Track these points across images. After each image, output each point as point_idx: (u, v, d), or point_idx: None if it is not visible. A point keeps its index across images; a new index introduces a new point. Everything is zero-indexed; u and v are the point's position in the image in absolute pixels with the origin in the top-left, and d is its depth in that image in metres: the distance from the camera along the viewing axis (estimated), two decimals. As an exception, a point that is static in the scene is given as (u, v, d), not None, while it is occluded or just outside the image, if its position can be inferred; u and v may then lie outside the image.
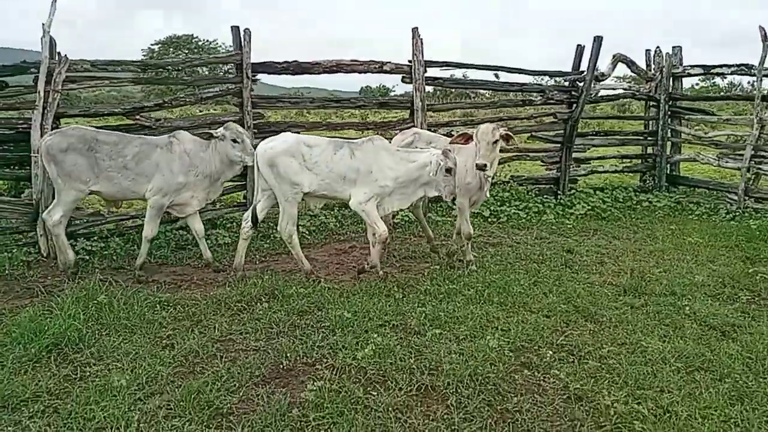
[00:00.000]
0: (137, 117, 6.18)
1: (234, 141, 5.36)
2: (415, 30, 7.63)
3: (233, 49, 6.66)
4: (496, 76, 9.71)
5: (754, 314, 4.77)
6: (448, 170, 5.00)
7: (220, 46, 50.08)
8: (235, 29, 6.61)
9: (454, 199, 5.00)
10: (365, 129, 7.75)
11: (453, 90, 12.13)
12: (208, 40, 49.44)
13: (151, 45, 46.41)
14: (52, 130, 5.47)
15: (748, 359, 3.88)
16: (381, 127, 7.63)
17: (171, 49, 44.28)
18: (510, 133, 5.30)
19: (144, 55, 45.03)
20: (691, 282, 5.47)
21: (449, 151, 5.12)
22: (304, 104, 7.12)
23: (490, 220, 7.89)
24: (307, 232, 6.91)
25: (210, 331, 4.20)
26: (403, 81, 7.85)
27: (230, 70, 6.78)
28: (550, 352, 3.90)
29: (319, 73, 7.20)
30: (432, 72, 7.92)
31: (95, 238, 6.26)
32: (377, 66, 7.51)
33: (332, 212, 7.27)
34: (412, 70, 7.67)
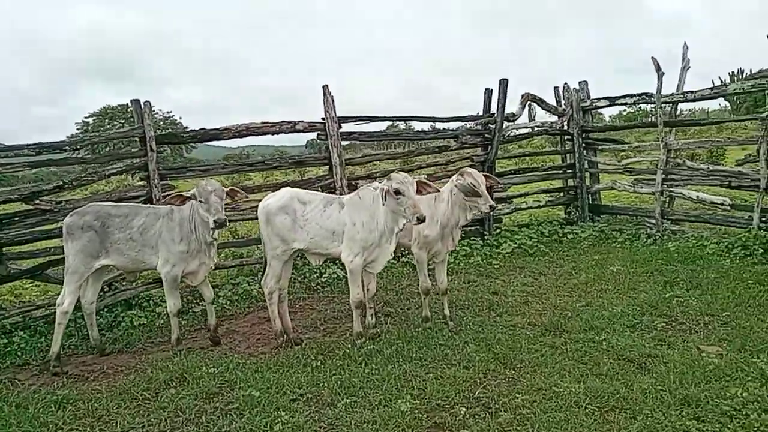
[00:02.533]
0: (36, 202, 5.91)
1: (200, 201, 5.02)
2: (325, 87, 7.67)
3: (135, 122, 6.51)
4: (406, 123, 9.84)
5: (670, 341, 4.83)
6: (396, 192, 4.60)
7: (157, 113, 49.74)
8: (135, 102, 6.48)
9: (419, 219, 4.49)
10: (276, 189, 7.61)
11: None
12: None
13: (85, 118, 45.64)
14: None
15: (661, 392, 3.88)
16: (298, 185, 7.53)
17: (106, 120, 43.62)
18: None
19: (78, 129, 44.17)
20: (611, 314, 5.52)
21: (390, 175, 4.80)
22: (215, 170, 6.98)
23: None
24: (228, 303, 6.68)
25: (111, 427, 3.93)
26: (318, 138, 7.85)
27: (134, 144, 6.62)
28: (464, 409, 3.81)
29: (228, 138, 7.12)
30: (346, 127, 7.96)
31: (-4, 333, 5.86)
32: (289, 126, 7.49)
33: (255, 278, 7.06)
34: (326, 127, 7.68)
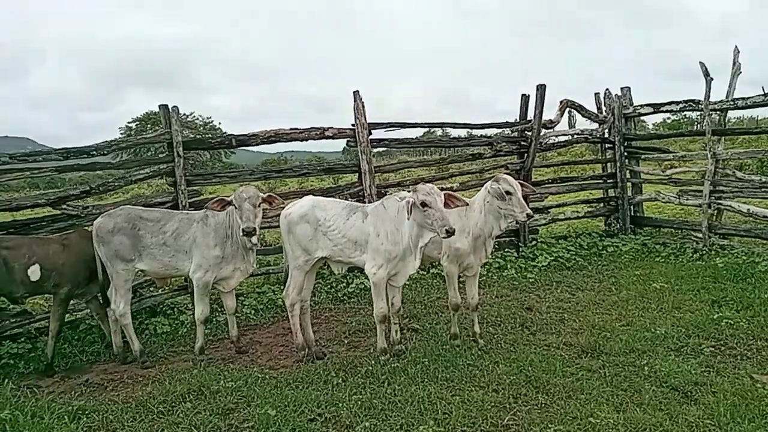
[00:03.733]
0: (63, 206, 5.88)
1: (236, 207, 4.92)
2: (356, 93, 7.51)
3: (163, 127, 6.45)
4: (443, 129, 9.60)
5: (719, 368, 4.46)
6: (423, 204, 4.32)
7: (197, 119, 50.58)
8: (163, 108, 6.42)
9: (448, 232, 4.19)
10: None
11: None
12: (185, 114, 49.94)
13: (128, 123, 46.73)
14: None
15: (710, 426, 3.55)
16: (327, 193, 7.38)
17: (149, 125, 44.63)
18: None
19: (122, 134, 45.23)
20: (653, 335, 5.16)
21: (416, 186, 4.52)
22: (243, 177, 6.88)
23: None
24: (252, 312, 6.54)
25: (123, 443, 3.80)
26: (348, 145, 7.69)
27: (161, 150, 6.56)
28: (492, 438, 3.53)
29: (256, 144, 7.02)
30: (377, 134, 7.78)
31: (22, 339, 5.83)
32: (318, 132, 7.34)
33: (281, 287, 6.90)
34: (356, 134, 7.51)
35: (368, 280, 6.99)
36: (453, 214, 4.73)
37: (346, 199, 7.86)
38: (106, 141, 6.14)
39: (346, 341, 5.58)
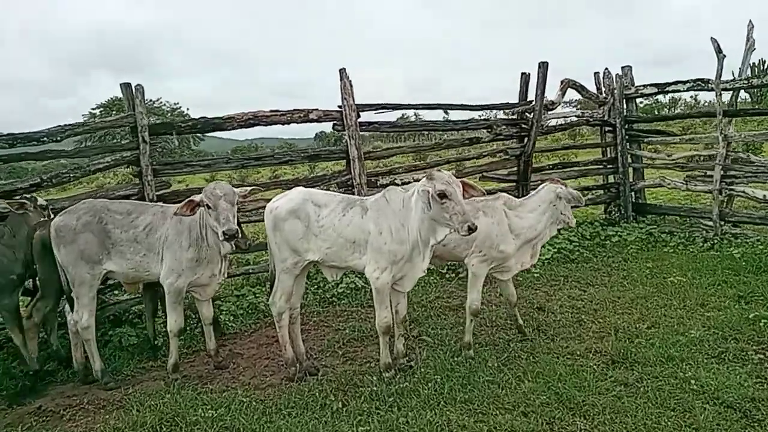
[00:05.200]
0: (8, 201, 5.05)
1: (208, 207, 4.18)
2: (342, 71, 6.78)
3: (126, 109, 5.64)
4: (446, 112, 8.98)
5: (773, 379, 3.90)
6: (441, 194, 3.69)
7: (164, 104, 48.95)
8: (125, 87, 5.61)
9: (470, 229, 3.61)
10: (288, 187, 6.71)
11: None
12: (151, 100, 48.27)
13: (92, 109, 44.98)
14: None
15: (789, 459, 2.97)
16: (313, 183, 6.67)
17: (113, 111, 42.99)
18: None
19: (85, 120, 43.40)
20: (687, 339, 4.60)
21: (431, 174, 3.86)
22: (218, 165, 6.11)
23: (448, 276, 6.94)
24: (231, 318, 5.80)
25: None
26: (334, 129, 6.96)
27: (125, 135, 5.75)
28: (535, 483, 2.91)
29: (233, 128, 6.24)
30: (366, 116, 7.07)
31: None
32: (302, 115, 6.60)
33: (263, 289, 6.19)
34: (343, 116, 6.79)
35: (360, 278, 6.39)
36: (499, 212, 4.52)
37: (330, 190, 7.18)
38: (59, 126, 5.31)
39: (340, 352, 4.90)
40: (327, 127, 7.15)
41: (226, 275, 4.74)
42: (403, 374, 4.22)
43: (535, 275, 6.88)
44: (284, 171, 21.90)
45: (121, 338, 5.30)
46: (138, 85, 5.63)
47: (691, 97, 38.09)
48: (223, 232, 4.04)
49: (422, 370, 4.24)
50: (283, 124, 6.54)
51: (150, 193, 5.63)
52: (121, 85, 5.63)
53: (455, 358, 4.46)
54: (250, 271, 6.48)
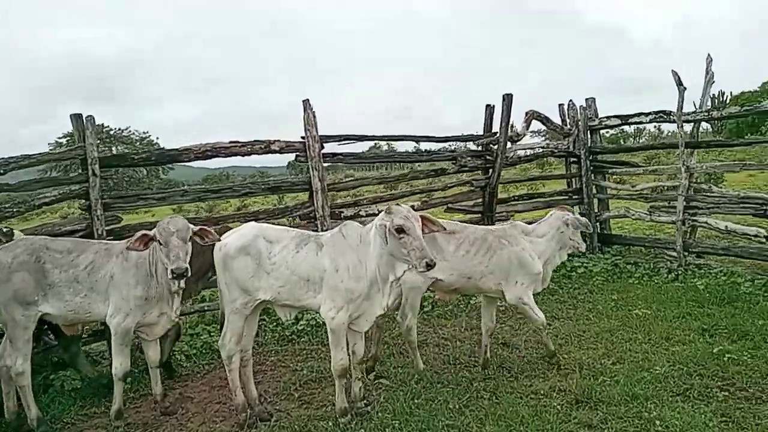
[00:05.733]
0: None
1: (160, 243, 3.96)
2: (306, 102, 6.67)
3: (76, 140, 5.42)
4: (417, 143, 8.90)
5: (738, 418, 3.82)
6: (399, 229, 3.58)
7: (133, 134, 48.30)
8: (75, 117, 5.40)
9: (428, 265, 3.50)
10: (247, 220, 6.52)
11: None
12: (120, 129, 47.57)
13: (58, 138, 44.10)
14: None
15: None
16: (273, 216, 6.49)
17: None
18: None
19: (51, 150, 42.49)
20: (652, 376, 4.50)
21: (390, 208, 3.74)
22: (173, 198, 5.88)
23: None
24: (184, 358, 5.53)
25: None
26: (297, 160, 6.81)
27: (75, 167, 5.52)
28: None
29: (190, 160, 6.06)
30: (330, 148, 6.95)
31: None
32: (263, 146, 6.44)
33: (218, 329, 5.94)
34: (306, 147, 6.66)
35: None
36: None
37: (295, 221, 7.00)
38: (2, 158, 5.06)
39: (296, 395, 4.67)
40: (288, 157, 7.00)
41: (178, 314, 4.51)
42: (360, 419, 4.02)
43: (500, 308, 6.75)
44: (254, 201, 21.61)
45: (63, 382, 4.98)
46: (89, 116, 5.42)
47: (655, 126, 39.18)
48: (172, 270, 3.84)
49: (380, 414, 4.05)
50: (243, 155, 6.38)
51: (100, 228, 5.39)
52: (71, 116, 5.41)
53: (415, 400, 4.27)
54: (206, 308, 6.22)
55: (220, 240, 4.10)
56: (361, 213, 6.99)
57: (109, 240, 5.18)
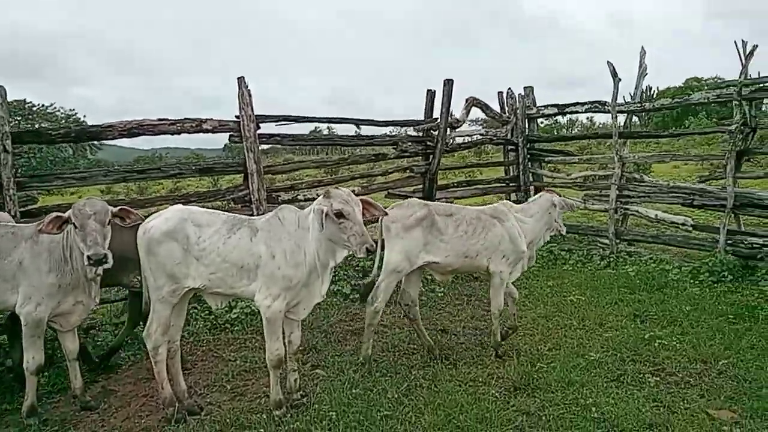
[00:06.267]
0: None
1: (75, 226, 3.63)
2: (240, 80, 6.37)
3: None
4: (358, 127, 8.72)
5: (669, 403, 3.91)
6: (338, 214, 3.46)
7: (58, 110, 45.52)
8: (-17, 88, 4.91)
9: (369, 251, 3.41)
10: (177, 202, 6.18)
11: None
12: (43, 105, 44.63)
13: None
14: None
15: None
16: (204, 198, 6.18)
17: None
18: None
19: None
20: (587, 362, 4.57)
21: (328, 191, 3.61)
22: (95, 179, 5.48)
23: (352, 297, 6.64)
24: (107, 349, 5.19)
25: None
26: (230, 140, 6.51)
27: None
28: None
29: (114, 138, 5.66)
30: (266, 128, 6.68)
31: None
32: (194, 125, 6.11)
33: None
34: (241, 127, 6.36)
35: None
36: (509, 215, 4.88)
37: (229, 205, 6.71)
38: None
39: (228, 386, 4.45)
40: (224, 138, 6.69)
41: (97, 300, 4.19)
42: (295, 411, 3.86)
43: (439, 294, 6.76)
44: (188, 184, 20.85)
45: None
46: (0, 85, 4.95)
47: (587, 119, 40.55)
48: (88, 256, 3.53)
49: (316, 406, 3.90)
50: (172, 134, 6.03)
51: (12, 209, 4.95)
52: (-21, 85, 4.93)
53: (353, 390, 4.14)
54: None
55: (143, 220, 3.82)
56: (299, 197, 6.78)
57: (24, 222, 4.77)
